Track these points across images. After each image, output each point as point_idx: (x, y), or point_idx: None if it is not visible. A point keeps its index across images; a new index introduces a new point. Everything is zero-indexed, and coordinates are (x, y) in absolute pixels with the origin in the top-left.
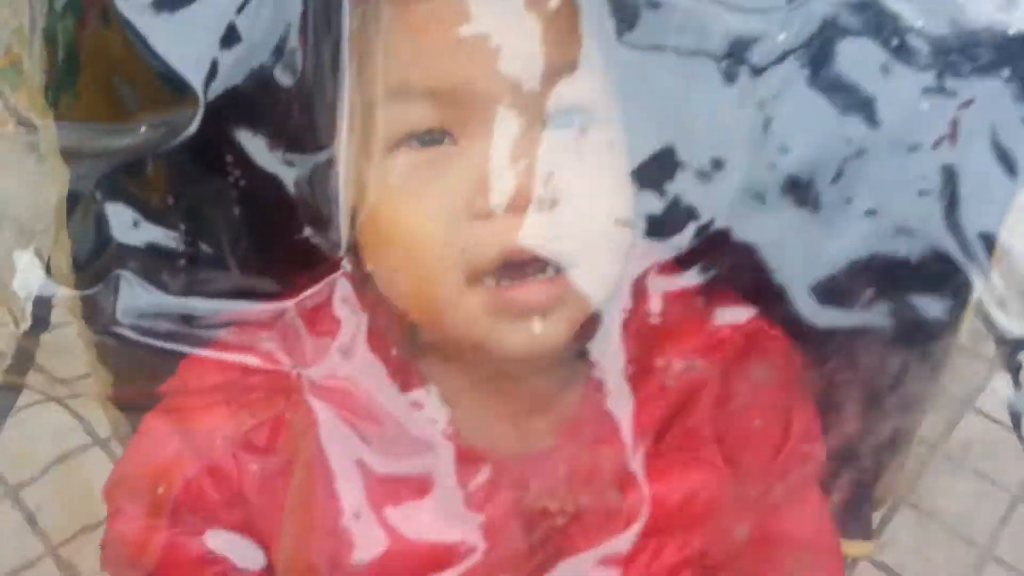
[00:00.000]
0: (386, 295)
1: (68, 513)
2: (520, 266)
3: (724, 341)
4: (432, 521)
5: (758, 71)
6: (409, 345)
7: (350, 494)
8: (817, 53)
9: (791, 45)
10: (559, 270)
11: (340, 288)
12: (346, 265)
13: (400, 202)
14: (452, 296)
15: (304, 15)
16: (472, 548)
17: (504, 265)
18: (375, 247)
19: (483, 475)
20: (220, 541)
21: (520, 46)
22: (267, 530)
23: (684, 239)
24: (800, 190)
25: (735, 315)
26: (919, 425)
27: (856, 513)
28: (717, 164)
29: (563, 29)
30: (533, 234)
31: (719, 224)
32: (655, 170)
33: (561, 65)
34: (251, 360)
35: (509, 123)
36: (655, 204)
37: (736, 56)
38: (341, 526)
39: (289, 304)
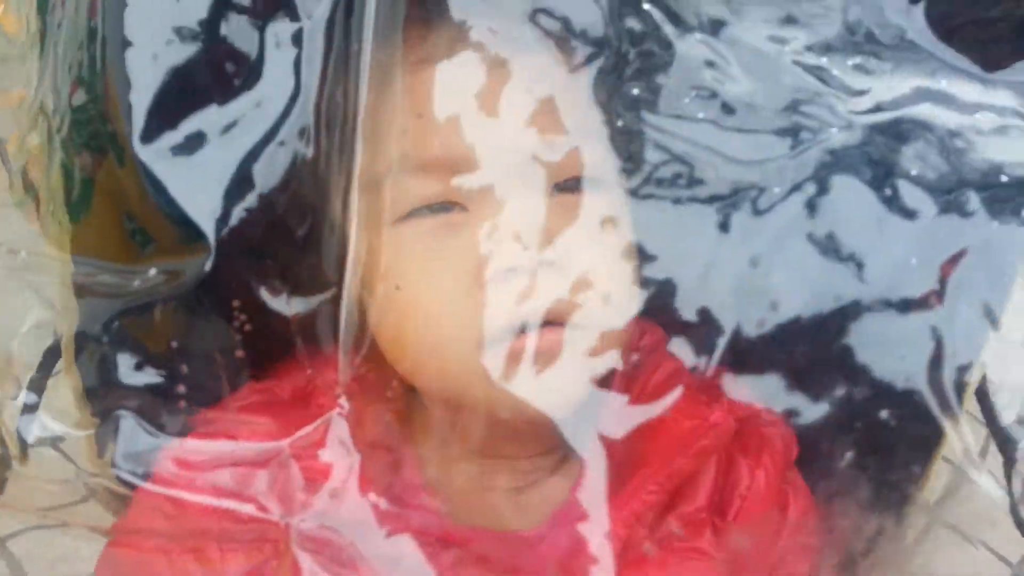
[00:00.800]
0: (399, 369)
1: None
2: (537, 325)
3: (720, 425)
4: None
5: (754, 218)
6: (411, 427)
7: None
8: (811, 203)
9: (785, 195)
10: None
11: (336, 427)
12: (343, 404)
13: (412, 271)
14: (466, 359)
15: (319, 96)
16: None
17: (516, 329)
18: (387, 318)
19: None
20: None
21: (524, 118)
22: None
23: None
24: (786, 349)
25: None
26: None
27: None
28: (705, 315)
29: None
30: (543, 298)
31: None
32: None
33: (564, 136)
34: (245, 508)
35: (517, 191)
36: None
37: (733, 204)
38: None
39: (284, 444)
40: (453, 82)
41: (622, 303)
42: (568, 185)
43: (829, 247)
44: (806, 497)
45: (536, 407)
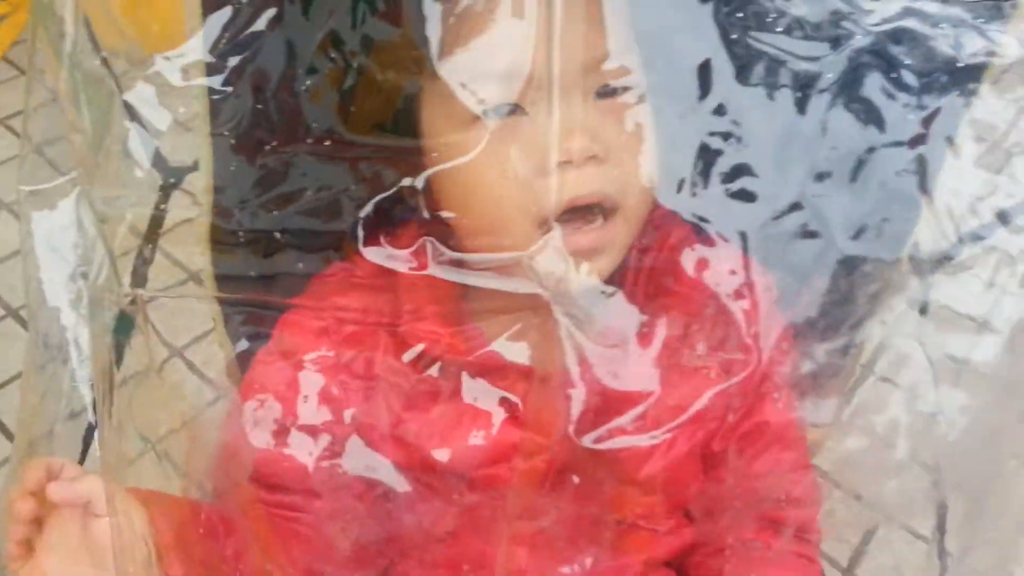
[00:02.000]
0: (463, 244)
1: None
2: (579, 211)
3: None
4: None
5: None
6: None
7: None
8: (845, 83)
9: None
10: (606, 218)
11: None
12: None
13: (480, 163)
14: (525, 239)
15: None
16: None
17: (566, 211)
18: (458, 203)
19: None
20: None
21: (572, 38)
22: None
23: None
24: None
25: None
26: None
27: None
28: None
29: (605, 24)
30: (588, 185)
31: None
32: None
33: (604, 51)
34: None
35: (566, 97)
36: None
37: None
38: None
39: None
40: (514, 7)
41: (650, 190)
42: (608, 91)
43: (862, 110)
44: (782, 325)
45: (574, 283)
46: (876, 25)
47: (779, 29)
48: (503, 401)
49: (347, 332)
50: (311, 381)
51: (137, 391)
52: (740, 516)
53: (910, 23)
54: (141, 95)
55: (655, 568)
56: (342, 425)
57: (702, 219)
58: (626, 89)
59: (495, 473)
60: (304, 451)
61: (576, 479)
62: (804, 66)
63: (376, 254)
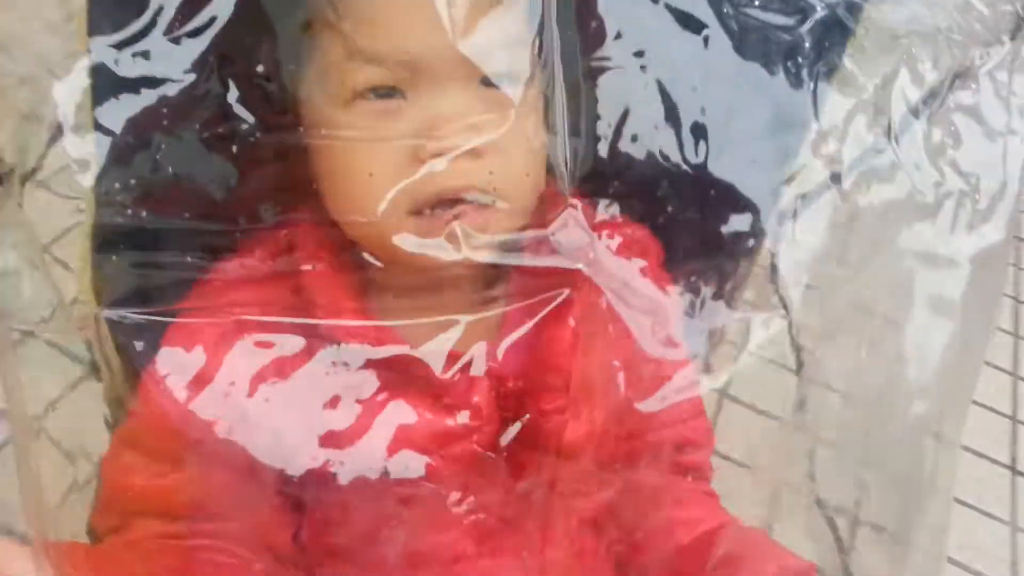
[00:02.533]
0: (342, 224)
1: None
2: (452, 203)
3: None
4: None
5: None
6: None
7: None
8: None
9: None
10: (483, 207)
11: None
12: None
13: (358, 145)
14: (398, 224)
15: None
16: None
17: (439, 202)
18: (334, 183)
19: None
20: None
21: (460, 22)
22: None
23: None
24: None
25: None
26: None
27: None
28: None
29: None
30: (464, 178)
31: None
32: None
33: (495, 37)
34: None
35: (449, 84)
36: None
37: None
38: None
39: None
40: None
41: (533, 181)
42: (493, 81)
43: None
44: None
45: (455, 263)
46: None
47: None
48: (428, 391)
49: (252, 337)
50: (217, 396)
51: None
52: (652, 464)
53: None
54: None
55: (588, 526)
56: (260, 434)
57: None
58: (513, 78)
59: (429, 464)
60: (217, 469)
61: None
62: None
63: (407, 242)
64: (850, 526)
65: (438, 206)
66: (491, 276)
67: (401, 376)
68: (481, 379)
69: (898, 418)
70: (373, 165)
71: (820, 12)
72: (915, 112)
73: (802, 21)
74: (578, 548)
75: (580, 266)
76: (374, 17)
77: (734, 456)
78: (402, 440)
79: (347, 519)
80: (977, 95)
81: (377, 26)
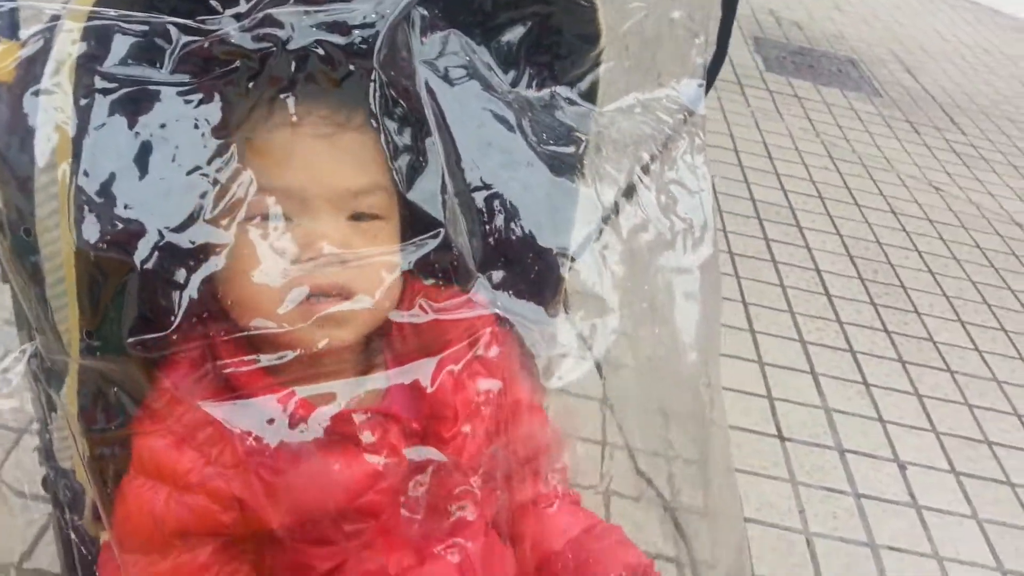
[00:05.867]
0: (236, 318)
1: None
2: (322, 295)
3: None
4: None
5: None
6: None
7: None
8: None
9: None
10: (346, 296)
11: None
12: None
13: (252, 256)
14: (288, 315)
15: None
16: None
17: (313, 294)
18: (232, 283)
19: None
20: None
21: (343, 170)
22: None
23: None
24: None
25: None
26: None
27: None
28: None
29: (365, 161)
30: (331, 279)
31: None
32: None
33: (366, 184)
34: None
35: (325, 214)
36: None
37: None
38: None
39: None
40: (295, 143)
41: (381, 284)
42: (361, 216)
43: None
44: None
45: (322, 343)
46: None
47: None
48: (352, 441)
49: (200, 437)
50: (188, 487)
51: None
52: (520, 472)
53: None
54: None
55: (487, 529)
56: (229, 513)
57: None
58: (374, 216)
59: (369, 499)
60: (199, 551)
61: (423, 481)
62: None
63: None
64: (667, 465)
65: (308, 300)
66: (370, 350)
67: (334, 433)
68: (392, 424)
69: (681, 370)
70: (266, 268)
71: (584, 141)
72: (647, 187)
73: (577, 148)
74: (491, 544)
75: (496, 310)
76: (270, 157)
77: None
78: (346, 487)
79: (305, 562)
80: (678, 171)
81: (273, 165)
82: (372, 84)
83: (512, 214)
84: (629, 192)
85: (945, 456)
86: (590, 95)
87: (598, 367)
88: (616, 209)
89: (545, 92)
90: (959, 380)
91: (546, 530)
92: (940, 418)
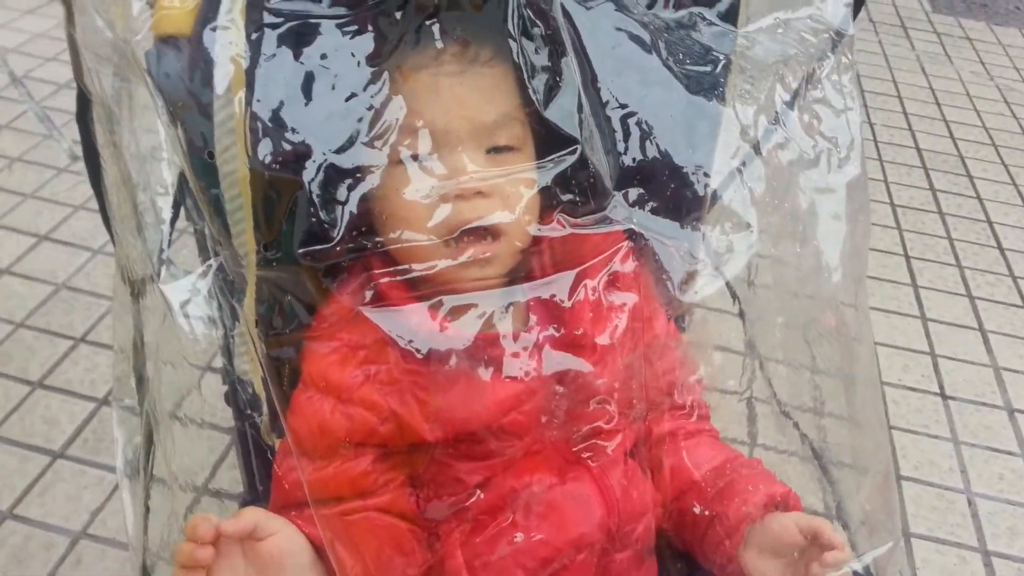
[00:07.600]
0: (389, 232)
1: None
2: (471, 231)
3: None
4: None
5: None
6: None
7: None
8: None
9: None
10: (493, 237)
11: None
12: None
13: (403, 175)
14: (434, 250)
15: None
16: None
17: (462, 231)
18: (386, 200)
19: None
20: None
21: (476, 105)
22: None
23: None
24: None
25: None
26: None
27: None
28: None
29: (497, 94)
30: (478, 213)
31: None
32: None
33: (498, 116)
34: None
35: (467, 149)
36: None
37: None
38: None
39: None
40: (434, 82)
41: (526, 217)
42: (498, 149)
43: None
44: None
45: (472, 281)
46: None
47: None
48: (498, 364)
49: (361, 355)
50: (350, 400)
51: None
52: (660, 406)
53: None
54: None
55: (625, 459)
56: (386, 425)
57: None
58: (509, 148)
59: (513, 419)
60: (360, 459)
61: (557, 408)
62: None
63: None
64: (815, 419)
65: (465, 236)
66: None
67: (481, 357)
68: (534, 349)
69: (824, 291)
70: (415, 208)
71: (723, 60)
72: (790, 106)
73: (715, 68)
74: (630, 472)
75: (632, 225)
76: (416, 101)
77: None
78: (494, 406)
79: (455, 476)
80: (823, 90)
81: (418, 107)
82: (509, 5)
83: (647, 133)
84: (771, 112)
85: None
86: (730, 16)
87: (729, 287)
88: (759, 132)
89: (682, 13)
90: None
91: (686, 460)
92: None
